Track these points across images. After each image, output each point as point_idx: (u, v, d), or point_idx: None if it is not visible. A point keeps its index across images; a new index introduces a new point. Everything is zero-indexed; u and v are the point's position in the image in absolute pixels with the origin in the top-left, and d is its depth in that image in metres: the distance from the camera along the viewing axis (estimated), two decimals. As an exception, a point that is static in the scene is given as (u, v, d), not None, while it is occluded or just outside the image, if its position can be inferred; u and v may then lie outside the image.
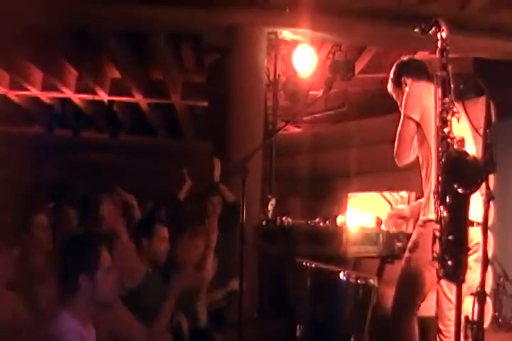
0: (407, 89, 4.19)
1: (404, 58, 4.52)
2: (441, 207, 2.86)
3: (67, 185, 10.00)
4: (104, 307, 3.06)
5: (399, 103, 4.34)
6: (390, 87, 4.47)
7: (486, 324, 5.67)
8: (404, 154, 4.04)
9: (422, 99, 4.02)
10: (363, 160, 8.62)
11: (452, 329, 3.83)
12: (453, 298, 3.84)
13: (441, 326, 3.97)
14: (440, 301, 3.97)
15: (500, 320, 6.93)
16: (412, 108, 4.02)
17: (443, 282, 3.83)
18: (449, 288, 3.88)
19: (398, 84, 4.35)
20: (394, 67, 4.44)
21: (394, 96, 4.45)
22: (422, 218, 4.05)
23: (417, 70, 4.35)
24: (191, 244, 5.28)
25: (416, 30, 3.31)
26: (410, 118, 4.01)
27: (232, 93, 7.47)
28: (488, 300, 6.05)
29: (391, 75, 4.44)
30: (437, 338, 3.98)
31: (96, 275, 2.89)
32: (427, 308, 4.08)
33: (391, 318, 4.09)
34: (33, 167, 11.60)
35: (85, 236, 3.33)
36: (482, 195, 2.87)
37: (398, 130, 4.05)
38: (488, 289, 5.83)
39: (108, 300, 3.01)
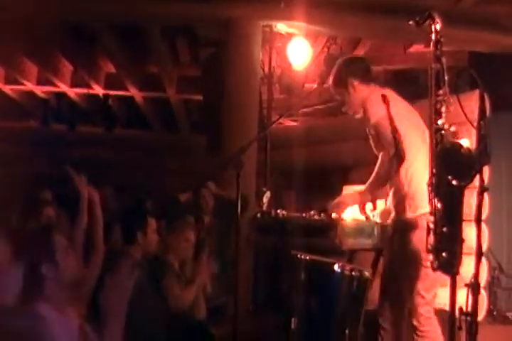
0: (352, 91, 4.28)
1: (347, 57, 4.55)
2: (435, 199, 2.87)
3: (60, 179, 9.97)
4: (75, 288, 3.06)
5: (342, 102, 4.42)
6: (332, 86, 4.45)
7: (481, 317, 5.70)
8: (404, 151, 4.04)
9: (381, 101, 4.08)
10: (358, 153, 8.60)
11: (428, 324, 3.90)
12: (426, 294, 3.92)
13: (415, 323, 3.97)
14: (413, 297, 3.99)
15: (495, 313, 6.95)
16: (380, 110, 4.05)
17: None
18: (422, 284, 3.91)
19: (343, 84, 4.34)
20: (337, 66, 4.41)
21: (337, 96, 4.46)
22: (393, 217, 4.09)
23: (362, 70, 4.37)
24: (181, 236, 5.29)
25: (410, 22, 3.31)
26: (386, 117, 4.03)
27: (227, 86, 7.46)
28: (483, 293, 6.07)
29: (334, 75, 4.41)
30: (414, 336, 3.98)
31: (56, 260, 2.88)
32: None
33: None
34: (29, 162, 11.58)
35: (35, 229, 3.33)
36: (475, 187, 2.88)
37: (384, 133, 4.05)
38: (483, 282, 5.86)
39: (74, 280, 3.00)
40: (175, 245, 5.23)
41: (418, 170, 3.98)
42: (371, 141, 4.27)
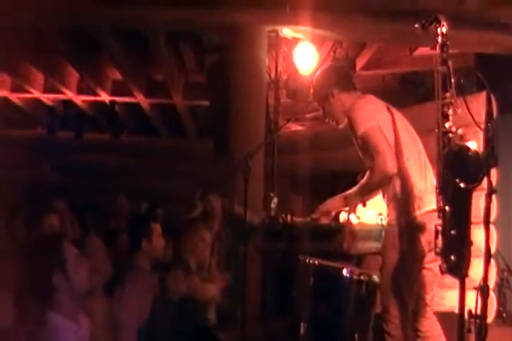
0: (333, 101, 4.24)
1: (324, 67, 4.50)
2: (443, 202, 2.86)
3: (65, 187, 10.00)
4: (86, 296, 3.06)
5: (324, 113, 4.36)
6: (314, 99, 4.41)
7: (491, 319, 5.68)
8: (394, 160, 3.95)
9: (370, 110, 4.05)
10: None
11: (429, 324, 3.88)
12: (425, 295, 3.90)
13: (417, 325, 3.93)
14: (414, 299, 3.97)
15: (504, 315, 6.93)
16: (371, 118, 4.01)
17: None
18: (421, 285, 3.89)
19: (324, 95, 4.30)
20: (315, 78, 4.39)
21: (320, 108, 4.41)
22: (394, 220, 4.07)
23: (341, 79, 4.34)
24: (196, 237, 5.26)
25: (416, 25, 3.31)
26: (374, 127, 3.98)
27: (234, 92, 7.46)
28: (493, 295, 6.05)
29: (313, 87, 4.39)
30: (416, 338, 3.95)
31: (67, 269, 2.87)
32: None
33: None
34: (36, 169, 11.61)
35: (42, 239, 3.30)
36: (483, 189, 2.87)
37: (374, 143, 3.97)
38: (491, 284, 5.84)
39: (86, 289, 3.00)
40: (192, 247, 5.20)
41: (415, 170, 3.98)
42: (359, 152, 4.23)
